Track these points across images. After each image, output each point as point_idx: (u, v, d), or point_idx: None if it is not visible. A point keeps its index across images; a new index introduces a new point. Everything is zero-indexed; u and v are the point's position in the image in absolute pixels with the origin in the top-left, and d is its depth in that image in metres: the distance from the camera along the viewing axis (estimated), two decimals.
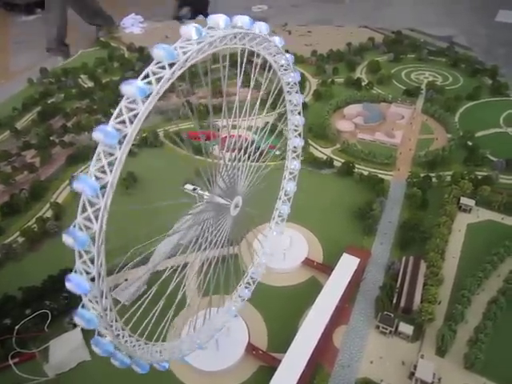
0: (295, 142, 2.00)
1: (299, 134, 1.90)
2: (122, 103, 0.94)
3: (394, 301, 2.82)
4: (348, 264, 2.23)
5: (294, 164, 1.86)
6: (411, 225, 2.63)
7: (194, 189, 1.44)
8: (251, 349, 1.72)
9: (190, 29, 1.00)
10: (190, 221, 1.58)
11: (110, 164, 0.92)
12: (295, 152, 1.88)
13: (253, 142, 2.15)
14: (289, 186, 1.86)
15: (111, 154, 1.07)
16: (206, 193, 1.31)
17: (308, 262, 2.18)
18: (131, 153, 2.40)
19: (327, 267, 2.12)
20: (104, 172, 1.01)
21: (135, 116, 1.03)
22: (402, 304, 2.65)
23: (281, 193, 1.89)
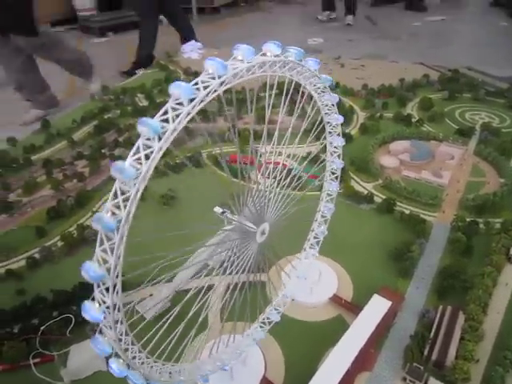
0: (334, 164, 1.89)
1: (338, 156, 1.80)
2: (140, 141, 0.91)
3: (426, 352, 2.41)
4: (378, 306, 2.01)
5: (332, 186, 1.75)
6: (452, 272, 2.32)
7: (223, 212, 1.42)
8: (265, 383, 1.58)
9: (213, 63, 1.00)
10: (216, 243, 1.49)
11: (125, 200, 0.90)
12: (334, 174, 1.76)
13: (290, 170, 2.15)
14: (326, 208, 1.75)
15: (126, 191, 1.00)
16: (235, 217, 1.27)
17: (336, 299, 1.98)
18: (176, 170, 2.45)
19: (356, 307, 1.92)
20: (119, 208, 0.94)
21: (151, 153, 0.95)
22: (434, 357, 2.25)
23: (317, 215, 1.80)
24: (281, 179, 1.27)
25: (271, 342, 1.46)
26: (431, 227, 1.92)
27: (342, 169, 2.26)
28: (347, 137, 2.58)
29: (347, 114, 2.86)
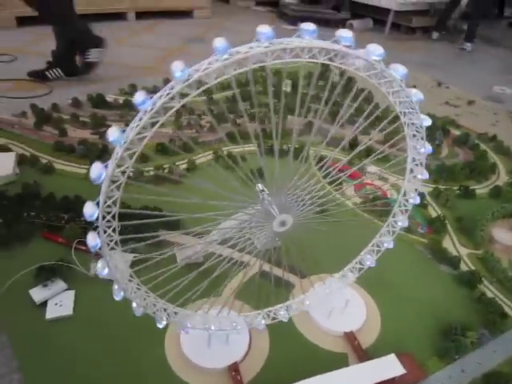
0: (408, 199, 1.42)
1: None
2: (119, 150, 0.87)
3: None
4: (388, 367, 1.50)
5: (399, 219, 1.32)
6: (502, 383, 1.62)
7: (262, 190, 1.35)
8: (233, 369, 1.38)
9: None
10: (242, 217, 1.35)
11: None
12: (405, 207, 1.32)
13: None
14: (386, 241, 1.34)
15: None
16: (268, 197, 1.15)
17: (350, 337, 1.56)
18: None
19: (365, 355, 1.50)
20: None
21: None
22: None
23: (374, 240, 1.43)
24: (334, 184, 1.19)
25: (263, 340, 1.42)
26: (510, 327, 1.56)
27: (441, 219, 2.00)
28: (470, 193, 2.25)
29: (485, 170, 2.47)
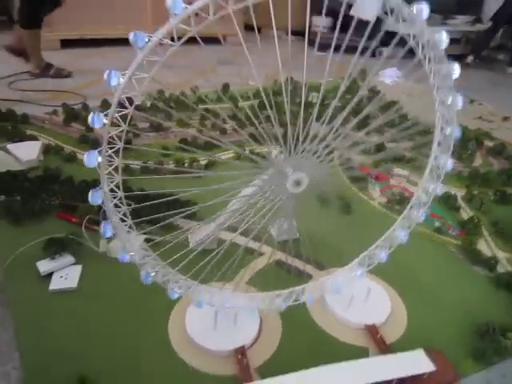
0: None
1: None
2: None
3: None
4: (416, 362, 1.24)
5: (412, 213, 1.12)
6: None
7: (276, 154, 1.26)
8: (239, 352, 1.24)
9: None
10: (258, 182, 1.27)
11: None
12: (424, 204, 1.13)
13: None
14: (401, 234, 1.12)
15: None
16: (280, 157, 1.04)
17: (372, 330, 1.34)
18: None
19: (388, 349, 1.28)
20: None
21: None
22: None
23: (387, 233, 1.19)
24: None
25: (275, 323, 1.31)
26: None
27: (474, 221, 1.85)
28: (507, 198, 2.09)
29: None
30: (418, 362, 1.18)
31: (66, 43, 4.20)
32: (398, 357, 1.19)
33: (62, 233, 1.50)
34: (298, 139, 1.02)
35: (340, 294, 1.30)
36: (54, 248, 1.42)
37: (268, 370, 1.13)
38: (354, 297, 1.34)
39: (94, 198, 0.84)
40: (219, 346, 1.20)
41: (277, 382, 1.05)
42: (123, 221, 0.95)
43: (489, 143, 2.80)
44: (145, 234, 1.10)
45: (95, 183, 0.85)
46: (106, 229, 0.92)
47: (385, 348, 1.24)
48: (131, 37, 0.71)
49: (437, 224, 1.88)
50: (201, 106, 2.81)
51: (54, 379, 1.04)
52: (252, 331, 1.25)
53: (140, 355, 1.14)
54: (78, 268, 1.40)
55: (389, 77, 4.36)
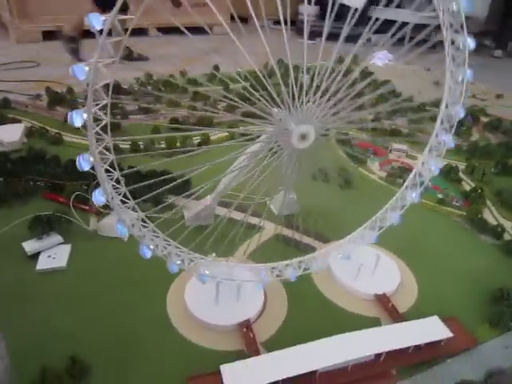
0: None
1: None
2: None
3: None
4: (432, 329, 1.19)
5: (423, 171, 1.06)
6: None
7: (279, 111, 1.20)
8: (245, 325, 1.23)
9: None
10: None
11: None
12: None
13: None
14: (410, 195, 1.03)
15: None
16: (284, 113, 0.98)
17: (383, 300, 1.30)
18: None
19: (401, 318, 1.28)
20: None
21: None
22: None
23: (398, 194, 1.12)
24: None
25: (281, 297, 1.23)
26: None
27: (478, 192, 1.80)
28: (509, 168, 2.05)
29: None
30: (434, 328, 1.12)
31: (47, 35, 4.07)
32: (412, 324, 1.13)
33: (49, 212, 1.40)
34: (299, 96, 0.96)
35: (348, 264, 1.24)
36: (41, 227, 1.33)
37: (275, 344, 1.05)
38: (363, 267, 1.28)
39: (83, 164, 0.75)
40: (222, 321, 1.12)
41: (288, 352, 0.98)
42: (116, 188, 0.86)
43: (484, 119, 2.76)
44: (142, 211, 1.01)
45: None
46: (98, 196, 0.83)
47: (398, 317, 1.18)
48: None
49: (440, 196, 1.83)
50: (191, 89, 2.72)
51: (45, 361, 0.95)
52: (256, 304, 1.18)
53: (136, 333, 1.06)
54: (67, 247, 1.31)
55: (380, 59, 4.34)
